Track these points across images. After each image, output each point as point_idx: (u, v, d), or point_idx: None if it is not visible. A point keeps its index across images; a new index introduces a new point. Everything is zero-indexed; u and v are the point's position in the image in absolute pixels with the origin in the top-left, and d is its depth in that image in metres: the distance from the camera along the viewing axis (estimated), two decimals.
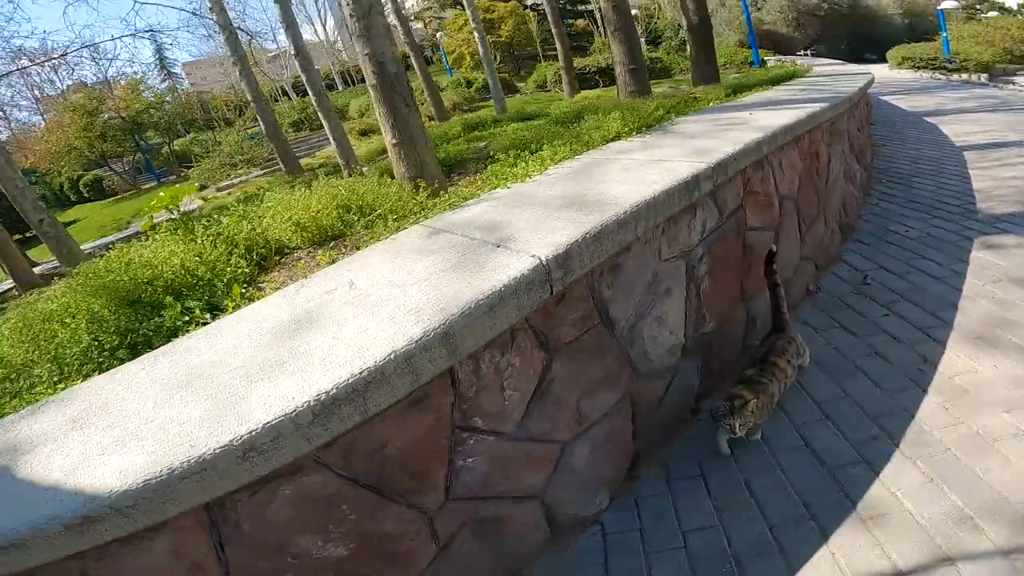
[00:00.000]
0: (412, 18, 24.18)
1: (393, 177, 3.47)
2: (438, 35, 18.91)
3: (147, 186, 19.48)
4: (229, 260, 2.21)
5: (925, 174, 4.96)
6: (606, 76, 14.12)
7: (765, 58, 13.94)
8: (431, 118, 12.24)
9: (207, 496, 1.00)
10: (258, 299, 1.83)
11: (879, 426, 2.22)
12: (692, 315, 2.18)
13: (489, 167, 2.78)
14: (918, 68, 14.43)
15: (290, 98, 21.84)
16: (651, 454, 2.15)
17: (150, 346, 1.96)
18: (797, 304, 3.15)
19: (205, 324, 1.98)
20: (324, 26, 24.31)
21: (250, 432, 0.97)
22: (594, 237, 1.50)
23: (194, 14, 13.39)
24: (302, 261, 2.22)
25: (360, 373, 1.09)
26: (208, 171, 14.42)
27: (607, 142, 2.82)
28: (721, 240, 2.28)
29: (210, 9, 7.75)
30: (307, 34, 23.55)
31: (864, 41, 20.00)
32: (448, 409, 1.28)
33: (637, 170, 2.10)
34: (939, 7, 15.70)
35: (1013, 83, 11.48)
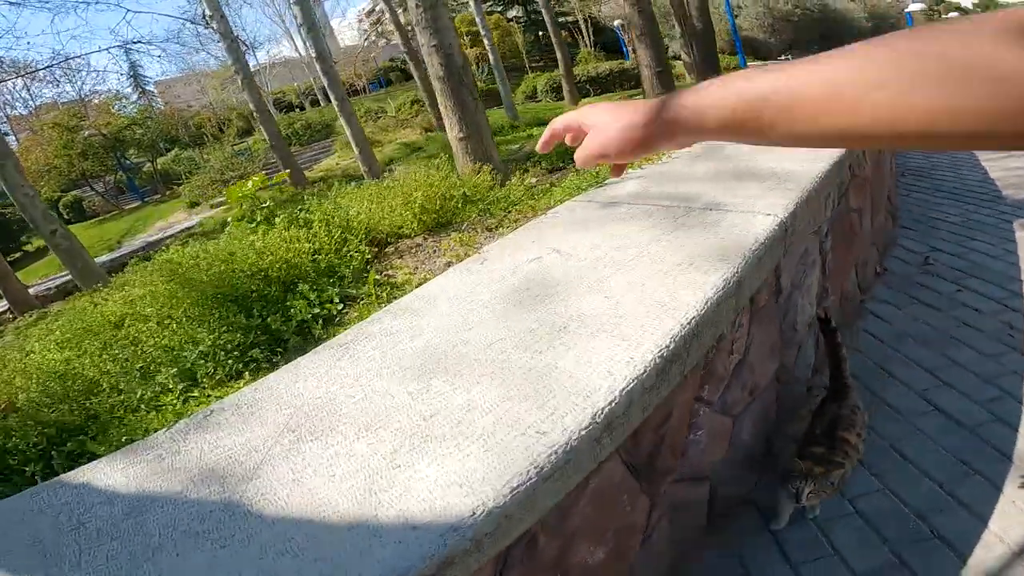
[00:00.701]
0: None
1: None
2: None
3: (130, 206, 18.65)
4: (346, 247, 2.04)
5: (943, 167, 5.07)
6: (596, 84, 14.24)
7: (748, 63, 14.26)
8: (428, 129, 12.10)
9: (555, 499, 0.75)
10: (411, 284, 1.68)
11: (998, 387, 2.20)
12: (820, 288, 2.12)
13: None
14: None
15: (271, 115, 21.31)
16: (782, 430, 2.06)
17: (283, 343, 1.78)
18: (870, 286, 3.14)
19: (332, 317, 1.83)
20: (305, 42, 23.82)
21: (609, 403, 0.77)
22: (804, 201, 1.41)
23: (191, 22, 12.89)
24: (424, 246, 2.07)
25: (685, 326, 0.91)
26: (199, 188, 13.88)
27: None
28: (839, 218, 2.23)
29: (209, 17, 7.42)
30: (286, 50, 23.09)
31: (833, 45, 20.63)
32: (699, 375, 1.14)
33: (776, 152, 2.03)
34: (907, 10, 16.17)
35: None
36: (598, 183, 1.94)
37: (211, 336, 1.76)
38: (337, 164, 13.07)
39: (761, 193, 1.51)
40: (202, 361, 1.69)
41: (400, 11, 10.10)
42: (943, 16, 21.88)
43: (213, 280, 1.98)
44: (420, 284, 1.70)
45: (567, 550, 0.92)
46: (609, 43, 20.73)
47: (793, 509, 1.61)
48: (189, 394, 1.58)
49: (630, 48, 19.26)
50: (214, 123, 19.94)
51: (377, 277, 1.87)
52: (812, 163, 1.80)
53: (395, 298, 1.67)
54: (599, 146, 0.54)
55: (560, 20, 20.59)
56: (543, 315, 1.05)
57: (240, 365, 1.66)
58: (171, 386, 1.60)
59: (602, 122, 0.54)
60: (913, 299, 2.99)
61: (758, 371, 1.58)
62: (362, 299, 1.79)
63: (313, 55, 5.43)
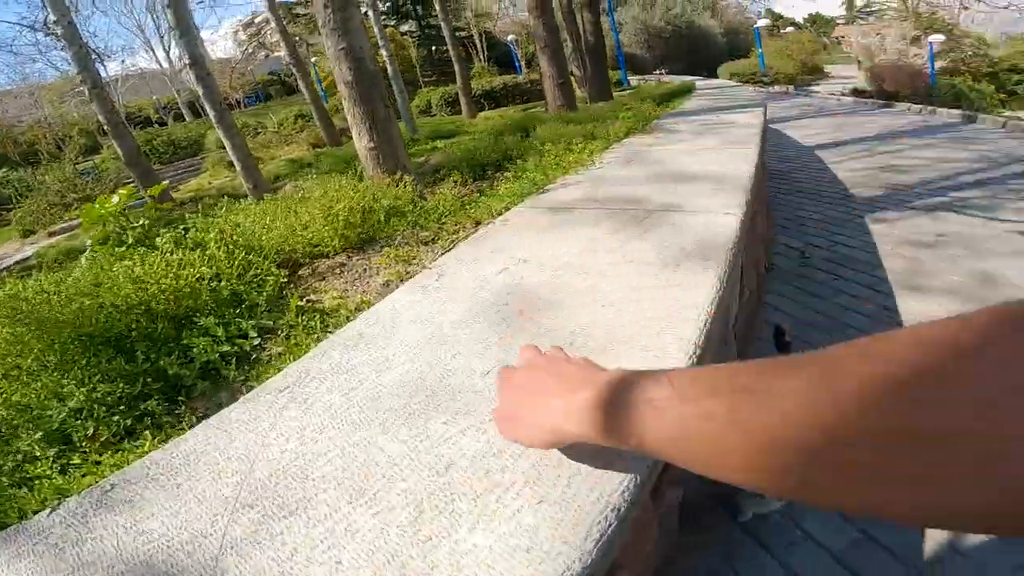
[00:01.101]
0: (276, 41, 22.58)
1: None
2: (313, 59, 17.71)
3: None
4: (253, 271, 1.73)
5: (798, 170, 5.73)
6: (491, 99, 14.43)
7: (629, 78, 15.24)
8: (316, 145, 11.38)
9: (626, 537, 0.68)
10: (346, 308, 1.44)
11: None
12: (740, 287, 2.22)
13: (517, 165, 2.52)
14: (744, 82, 15.57)
15: (127, 129, 18.79)
16: None
17: (185, 390, 1.44)
18: (764, 282, 3.40)
19: (248, 355, 1.52)
20: (168, 52, 21.40)
21: None
22: (751, 200, 1.42)
23: (31, 28, 10.86)
24: (350, 265, 1.82)
25: (702, 329, 0.84)
26: (34, 213, 11.76)
27: (619, 139, 2.76)
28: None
29: (53, 22, 6.26)
30: (144, 62, 20.57)
31: (697, 59, 22.71)
32: None
33: (699, 156, 2.08)
34: (755, 25, 18.21)
35: (814, 92, 13.83)
36: (538, 190, 1.84)
37: (83, 388, 1.38)
38: (210, 183, 11.79)
39: (708, 193, 1.50)
40: (75, 420, 1.31)
41: (287, 21, 9.40)
42: (781, 31, 24.87)
43: (73, 318, 1.57)
44: (359, 308, 1.47)
45: None
46: (502, 58, 21.15)
47: (754, 503, 1.64)
48: (66, 461, 1.21)
49: (523, 63, 19.76)
50: (51, 139, 17.15)
51: (299, 303, 1.60)
52: (734, 166, 1.86)
53: (328, 327, 1.43)
54: (515, 436, 0.57)
55: (455, 35, 20.66)
56: (537, 332, 0.90)
57: (130, 421, 1.32)
58: (38, 453, 1.22)
59: (528, 423, 0.53)
60: (799, 290, 3.28)
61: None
62: (283, 331, 1.51)
63: (187, 62, 4.77)
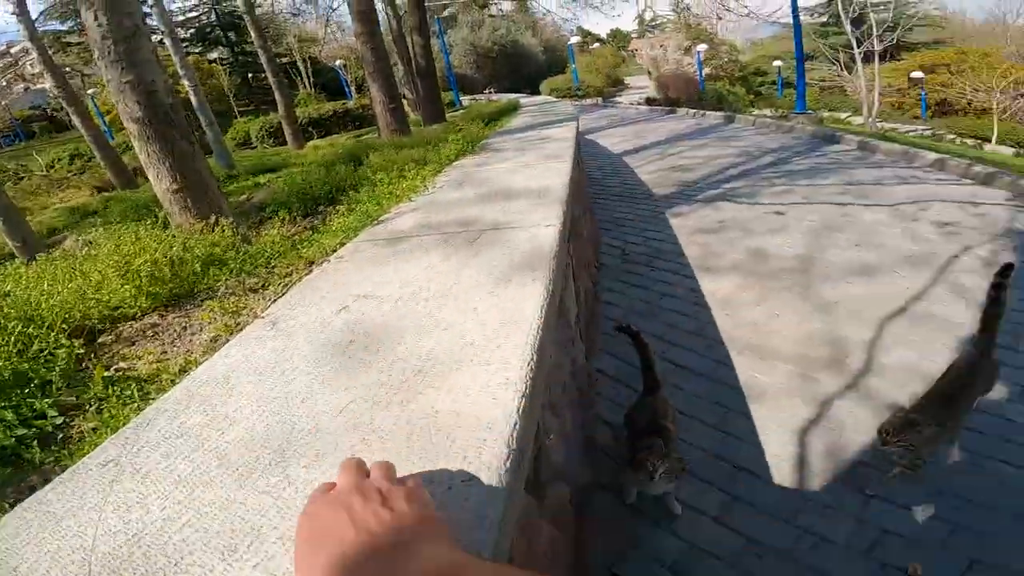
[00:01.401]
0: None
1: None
2: (90, 91, 14.97)
3: None
4: (37, 344, 1.43)
5: (610, 175, 6.47)
6: (319, 127, 13.77)
7: (461, 98, 15.63)
8: (103, 188, 9.75)
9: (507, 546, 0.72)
10: (168, 372, 1.29)
11: (704, 336, 2.92)
12: (574, 288, 2.46)
13: (351, 197, 2.45)
14: (562, 96, 16.79)
15: None
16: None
17: None
18: (596, 280, 3.79)
19: (53, 435, 1.27)
20: None
21: (512, 427, 0.71)
22: (567, 210, 1.59)
23: None
24: (164, 325, 1.61)
25: (535, 336, 0.93)
26: None
27: (451, 162, 2.85)
28: (572, 224, 2.64)
29: None
30: None
31: (522, 77, 24.03)
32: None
33: (523, 172, 2.25)
34: (569, 43, 19.84)
35: (618, 102, 15.57)
36: (372, 221, 1.84)
37: None
38: None
39: (530, 208, 1.66)
40: None
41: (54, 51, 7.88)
42: (589, 47, 27.45)
43: None
44: (185, 369, 1.32)
45: None
46: (330, 84, 20.25)
47: (635, 485, 1.83)
48: None
49: (353, 88, 19.08)
50: None
51: (107, 374, 1.38)
52: (552, 179, 2.06)
53: (149, 394, 1.27)
54: None
55: (276, 61, 19.19)
56: (386, 364, 0.92)
57: None
58: None
59: None
60: (624, 283, 3.72)
61: (562, 364, 1.73)
62: (92, 405, 1.30)
63: None
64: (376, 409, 0.80)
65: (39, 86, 19.45)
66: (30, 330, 1.49)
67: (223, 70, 18.55)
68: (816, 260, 3.59)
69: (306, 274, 1.56)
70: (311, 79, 19.98)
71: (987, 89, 14.32)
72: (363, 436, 0.76)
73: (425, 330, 1.01)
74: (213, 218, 2.27)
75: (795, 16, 10.45)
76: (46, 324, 1.47)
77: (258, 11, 11.90)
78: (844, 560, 1.62)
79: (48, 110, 18.03)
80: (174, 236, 1.88)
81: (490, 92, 19.35)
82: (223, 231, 2.13)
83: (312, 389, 0.89)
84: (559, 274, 1.27)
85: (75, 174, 11.58)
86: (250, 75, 21.33)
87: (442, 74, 15.68)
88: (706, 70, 16.24)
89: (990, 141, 13.08)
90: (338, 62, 19.41)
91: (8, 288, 1.85)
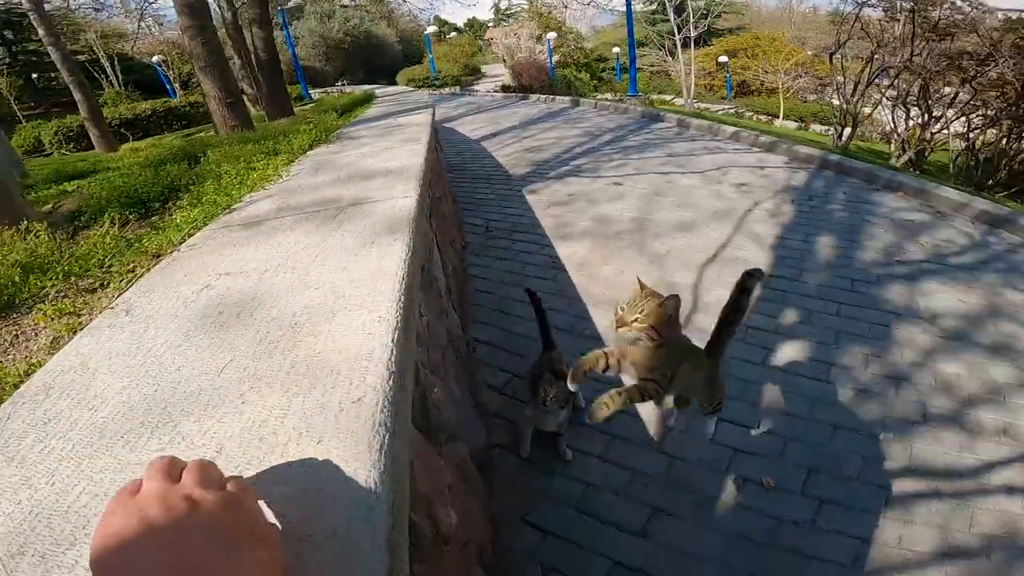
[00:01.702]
0: None
1: None
2: None
3: None
4: None
5: (470, 160, 6.68)
6: (135, 127, 12.07)
7: (310, 91, 14.61)
8: None
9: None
10: (8, 378, 1.19)
11: (564, 296, 3.25)
12: (441, 261, 2.60)
13: (192, 193, 2.28)
14: (419, 87, 16.85)
15: None
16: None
17: None
18: (463, 258, 3.97)
19: None
20: None
21: (390, 352, 0.83)
22: (423, 184, 1.70)
23: None
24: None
25: (401, 281, 1.03)
26: None
27: (304, 151, 2.76)
28: (434, 204, 2.76)
29: None
30: None
31: (376, 68, 23.04)
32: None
33: (380, 155, 2.30)
34: (425, 32, 19.41)
35: (475, 91, 15.80)
36: (222, 211, 1.79)
37: None
38: None
39: (389, 184, 1.75)
40: None
41: None
42: (446, 37, 27.12)
43: None
44: (28, 372, 1.22)
45: (438, 523, 0.98)
46: (145, 81, 17.81)
47: (530, 436, 2.04)
48: None
49: (177, 85, 16.92)
50: None
51: None
52: (409, 159, 2.17)
53: (6, 393, 1.16)
54: None
55: (73, 59, 16.14)
56: (263, 325, 0.97)
57: None
58: None
59: None
60: (490, 257, 3.96)
61: (438, 333, 1.87)
62: None
63: None
64: (259, 361, 0.87)
65: None
66: None
67: None
68: (648, 221, 4.15)
69: (149, 268, 1.50)
70: (119, 77, 17.47)
71: (774, 71, 17.05)
72: (250, 385, 0.83)
73: (296, 291, 1.08)
74: (21, 224, 2.01)
75: (628, 5, 11.52)
76: None
77: (47, 6, 10.01)
78: (710, 478, 1.96)
79: None
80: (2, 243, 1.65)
81: (343, 85, 18.47)
82: (37, 236, 1.91)
83: (187, 357, 0.93)
84: (420, 239, 1.40)
85: None
86: (35, 75, 18.15)
87: (288, 67, 14.62)
88: (556, 57, 17.15)
89: (779, 117, 15.70)
90: (156, 58, 17.21)
91: None
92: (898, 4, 7.21)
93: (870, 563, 1.63)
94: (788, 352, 2.59)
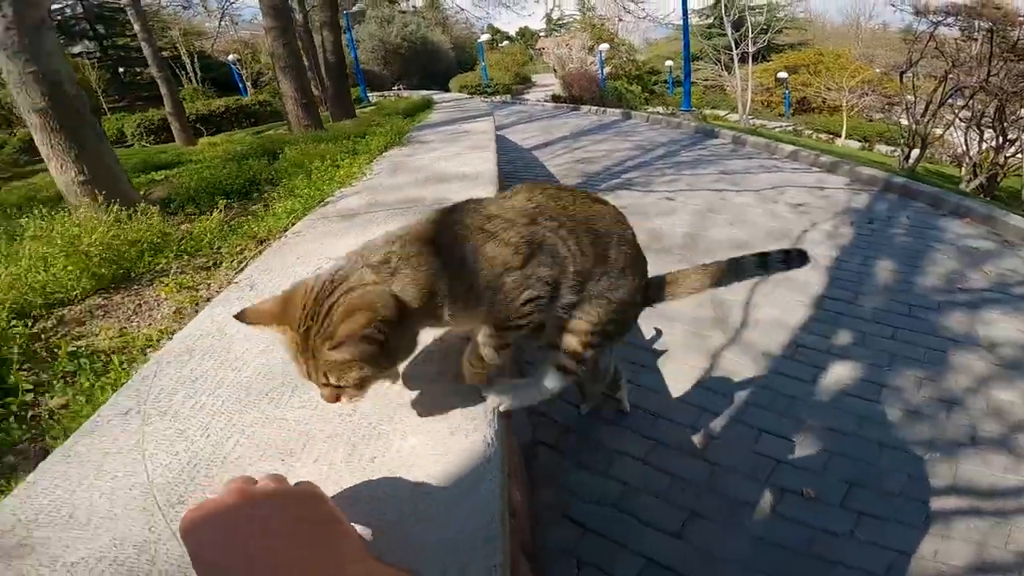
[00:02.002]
0: None
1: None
2: None
3: None
4: None
5: (522, 169, 6.85)
6: (209, 123, 12.94)
7: (369, 94, 15.25)
8: None
9: None
10: (135, 346, 1.40)
11: None
12: None
13: (283, 186, 2.53)
14: (472, 94, 16.91)
15: None
16: None
17: None
18: None
19: (32, 405, 1.31)
20: None
21: None
22: (497, 191, 1.86)
23: None
24: (112, 305, 1.66)
25: None
26: None
27: (380, 152, 3.00)
28: None
29: None
30: None
31: (431, 73, 23.72)
32: None
33: (452, 160, 2.49)
34: (479, 40, 19.90)
35: (526, 99, 16.04)
36: (318, 203, 1.99)
37: None
38: None
39: (467, 188, 1.92)
40: None
41: None
42: (498, 45, 27.56)
43: None
44: (158, 338, 1.44)
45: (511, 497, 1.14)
46: (220, 79, 18.90)
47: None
48: None
49: (248, 84, 17.96)
50: None
51: (71, 348, 1.45)
52: (481, 165, 2.34)
53: (123, 363, 1.37)
54: None
55: (139, 56, 17.44)
56: None
57: None
58: None
59: None
60: None
61: None
62: (59, 382, 1.37)
63: None
64: None
65: None
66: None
67: (89, 64, 16.68)
68: (700, 237, 4.18)
69: (259, 251, 1.70)
70: (198, 74, 18.62)
71: (838, 88, 16.53)
72: None
73: None
74: (131, 208, 2.28)
75: (685, 19, 11.50)
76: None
77: (143, 1, 10.90)
78: (750, 487, 1.99)
79: None
80: (108, 222, 1.91)
81: (400, 89, 19.06)
82: (150, 219, 2.16)
83: None
84: None
85: None
86: (122, 70, 19.55)
87: (350, 70, 15.30)
88: (607, 69, 17.20)
89: (840, 136, 15.22)
90: (231, 57, 18.26)
91: None
92: (976, 24, 6.97)
93: (903, 574, 1.65)
94: (839, 372, 2.60)
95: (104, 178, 2.69)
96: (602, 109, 11.75)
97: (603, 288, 0.88)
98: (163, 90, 9.88)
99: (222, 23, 17.03)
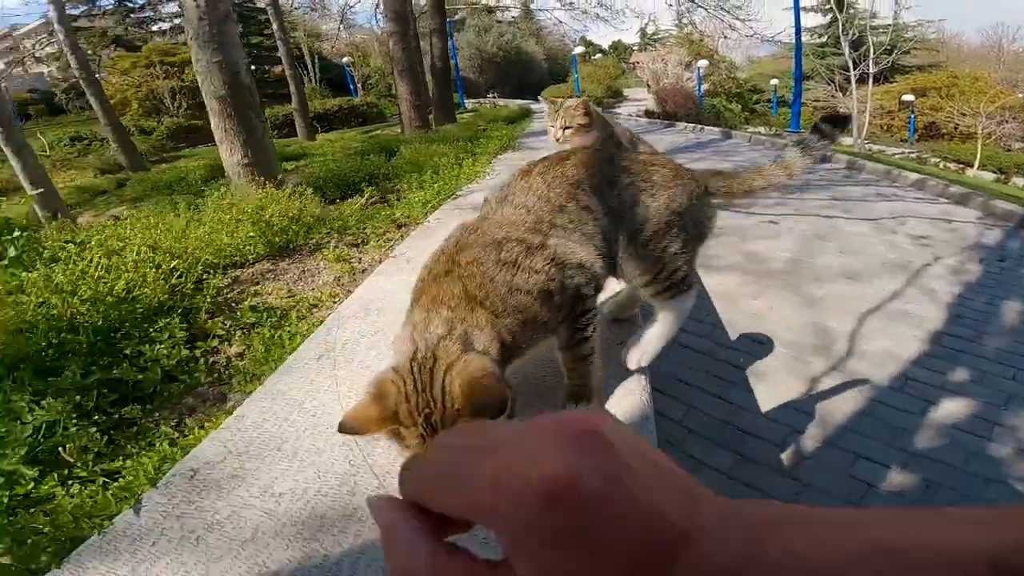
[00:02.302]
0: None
1: None
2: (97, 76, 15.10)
3: None
4: (182, 279, 1.78)
5: None
6: (325, 121, 14.11)
7: (465, 101, 16.02)
8: (107, 170, 9.92)
9: None
10: (303, 305, 1.66)
11: (703, 320, 3.35)
12: None
13: (412, 179, 2.83)
14: None
15: None
16: None
17: (146, 397, 1.47)
18: None
19: (215, 351, 1.61)
20: None
21: None
22: None
23: None
24: (279, 270, 1.97)
25: None
26: None
27: (495, 155, 3.27)
28: None
29: None
30: None
31: (523, 83, 24.34)
32: None
33: None
34: (572, 52, 20.31)
35: (617, 113, 16.12)
36: (449, 196, 2.23)
37: (39, 407, 1.36)
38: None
39: None
40: (46, 436, 1.31)
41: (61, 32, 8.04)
42: (591, 58, 27.78)
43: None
44: (326, 299, 1.70)
45: None
46: (334, 80, 20.48)
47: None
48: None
49: (359, 85, 19.40)
50: None
51: (253, 303, 1.75)
52: None
53: (302, 317, 1.64)
54: None
55: (276, 55, 19.32)
56: None
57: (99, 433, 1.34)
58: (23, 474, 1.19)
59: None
60: None
61: None
62: (239, 332, 1.65)
63: None
64: None
65: (37, 70, 19.55)
66: (174, 263, 1.85)
67: None
68: (806, 264, 4.06)
69: (402, 235, 1.95)
70: (317, 74, 20.24)
71: (974, 114, 15.05)
72: None
73: None
74: (291, 188, 2.63)
75: (797, 37, 11.06)
76: (197, 259, 1.83)
77: (281, 2, 12.17)
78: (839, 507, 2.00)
79: (48, 93, 18.05)
80: (276, 198, 2.25)
81: (494, 96, 19.74)
82: (306, 200, 2.51)
83: None
84: None
85: (76, 156, 11.72)
86: (254, 67, 21.66)
87: (453, 76, 16.07)
88: (704, 86, 16.82)
89: (972, 166, 13.83)
90: (345, 59, 19.72)
91: (129, 235, 2.19)
92: None
93: None
94: (950, 407, 2.47)
95: (263, 162, 3.12)
96: (699, 127, 11.54)
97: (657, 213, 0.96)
98: (292, 87, 10.88)
99: (341, 27, 18.40)
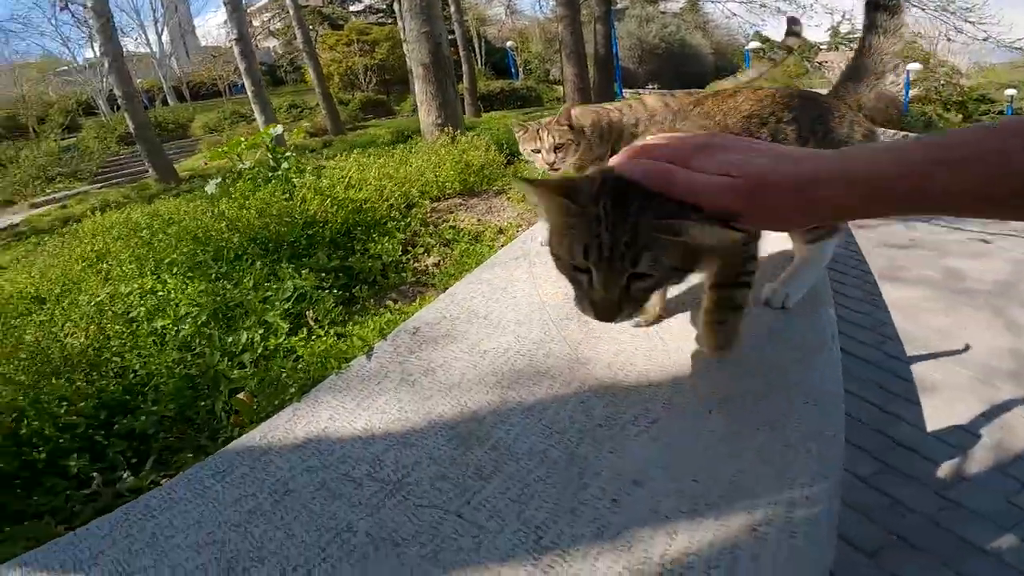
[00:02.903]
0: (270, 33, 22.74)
1: None
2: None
3: None
4: (406, 201, 2.20)
5: None
6: (487, 102, 15.04)
7: (623, 90, 16.00)
8: (314, 133, 11.70)
9: None
10: (489, 232, 1.94)
11: (876, 330, 3.09)
12: None
13: None
14: None
15: (101, 113, 18.29)
16: None
17: (368, 284, 1.84)
18: None
19: (420, 256, 1.97)
20: (160, 36, 21.18)
21: None
22: None
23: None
24: (469, 205, 2.31)
25: None
26: (14, 185, 11.67)
27: None
28: None
29: None
30: (129, 44, 20.17)
31: (685, 76, 23.45)
32: None
33: None
34: (746, 48, 19.14)
35: None
36: None
37: (292, 279, 1.78)
38: (205, 164, 11.95)
39: None
40: (297, 304, 1.67)
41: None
42: (767, 54, 25.69)
43: (254, 228, 1.96)
44: (510, 228, 1.98)
45: None
46: (497, 63, 21.35)
47: None
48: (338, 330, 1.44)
49: (521, 69, 20.31)
50: (32, 117, 16.85)
51: (450, 226, 2.09)
52: None
53: (495, 240, 1.92)
54: (754, 209, 0.46)
55: (451, 38, 21.03)
56: None
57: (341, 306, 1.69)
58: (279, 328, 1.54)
59: (757, 169, 0.45)
60: None
61: None
62: (440, 246, 1.98)
63: (234, 37, 5.19)
64: None
65: (265, 45, 23.42)
66: (408, 190, 2.24)
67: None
68: (1018, 288, 3.51)
69: None
70: (483, 57, 21.03)
71: None
72: None
73: None
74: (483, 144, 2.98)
75: None
76: (422, 186, 2.23)
77: None
78: (984, 529, 1.80)
79: (276, 66, 21.66)
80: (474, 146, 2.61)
81: (652, 88, 19.23)
82: (489, 152, 2.84)
83: None
84: None
85: (292, 120, 14.02)
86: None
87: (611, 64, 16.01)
88: (913, 91, 14.68)
89: None
90: (508, 43, 20.51)
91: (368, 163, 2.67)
92: None
93: None
94: None
95: (452, 122, 3.56)
96: (902, 134, 10.18)
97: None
98: (464, 68, 11.76)
99: (507, 11, 18.99)
